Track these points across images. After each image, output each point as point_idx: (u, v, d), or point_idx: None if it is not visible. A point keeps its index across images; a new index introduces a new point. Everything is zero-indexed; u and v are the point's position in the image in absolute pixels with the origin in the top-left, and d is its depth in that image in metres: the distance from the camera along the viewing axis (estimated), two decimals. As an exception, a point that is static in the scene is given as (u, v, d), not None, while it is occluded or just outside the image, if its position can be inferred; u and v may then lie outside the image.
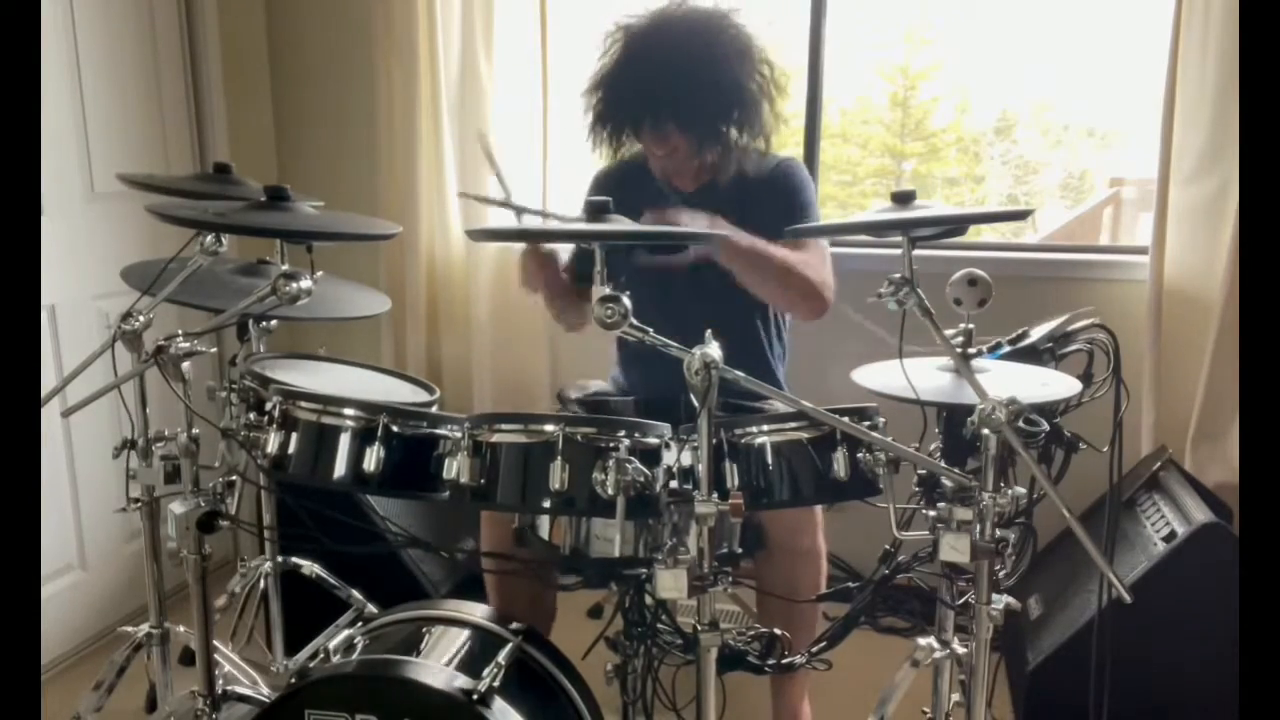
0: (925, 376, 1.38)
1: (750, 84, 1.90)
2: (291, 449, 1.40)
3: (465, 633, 1.56)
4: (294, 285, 1.42)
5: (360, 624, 1.71)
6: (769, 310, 2.07)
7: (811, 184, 2.06)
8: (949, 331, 1.36)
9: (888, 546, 1.51)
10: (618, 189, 2.09)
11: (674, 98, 1.84)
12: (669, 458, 1.31)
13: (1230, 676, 1.74)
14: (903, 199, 1.39)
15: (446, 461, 1.36)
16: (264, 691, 1.75)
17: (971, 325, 1.40)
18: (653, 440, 1.31)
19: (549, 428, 1.30)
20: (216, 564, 1.89)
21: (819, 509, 1.86)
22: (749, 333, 2.06)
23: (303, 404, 1.41)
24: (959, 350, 1.37)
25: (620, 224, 1.30)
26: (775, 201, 1.97)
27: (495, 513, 1.84)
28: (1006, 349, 1.50)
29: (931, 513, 1.33)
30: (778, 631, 1.59)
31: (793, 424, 1.36)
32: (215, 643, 1.61)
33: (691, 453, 1.28)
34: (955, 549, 1.29)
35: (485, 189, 2.77)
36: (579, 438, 1.29)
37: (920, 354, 1.39)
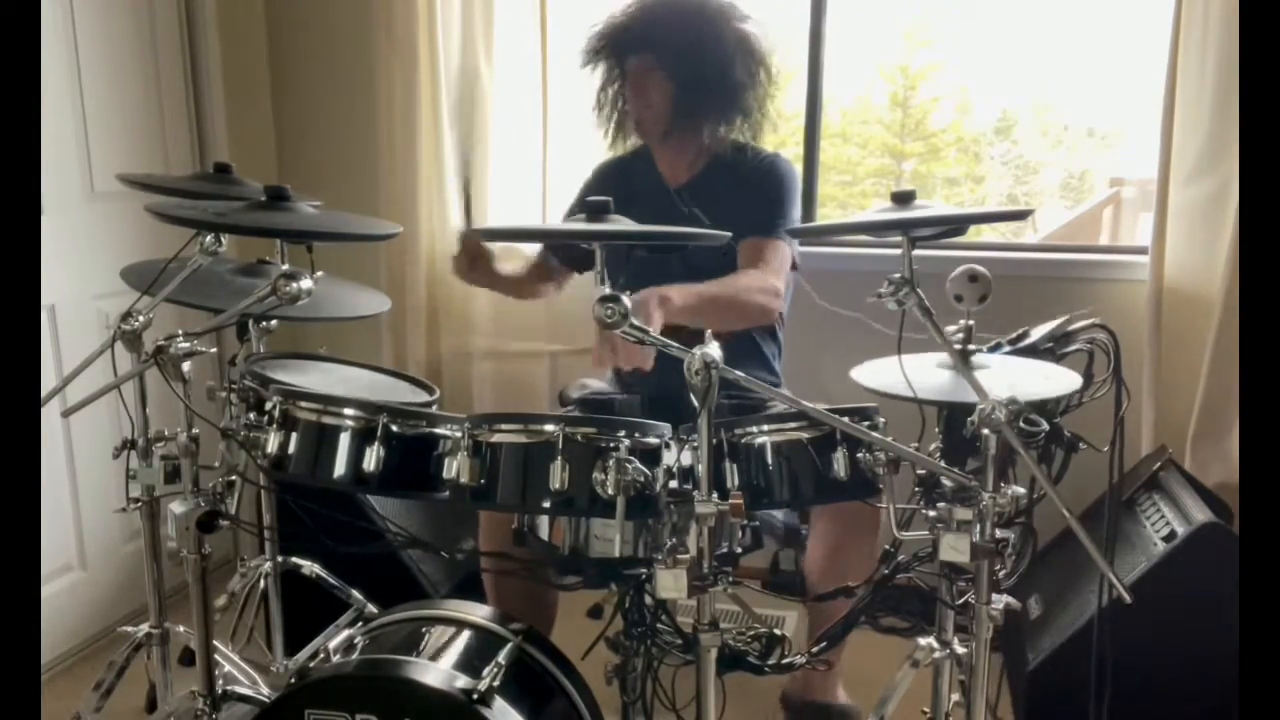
0: (925, 374, 1.38)
1: (738, 74, 1.97)
2: (291, 449, 1.40)
3: (465, 633, 1.56)
4: (294, 285, 1.41)
5: (360, 624, 1.71)
6: None
7: (797, 183, 2.09)
8: (949, 328, 1.36)
9: (888, 546, 1.51)
10: (615, 182, 2.12)
11: (668, 44, 1.95)
12: (669, 458, 1.31)
13: (1230, 676, 1.74)
14: (903, 199, 1.39)
15: (446, 461, 1.35)
16: (264, 691, 1.75)
17: (971, 322, 1.40)
18: (653, 440, 1.31)
19: (549, 428, 1.30)
20: (216, 564, 1.90)
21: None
22: (748, 332, 2.06)
23: (303, 404, 1.41)
24: (959, 349, 1.37)
25: (620, 224, 1.30)
26: (753, 194, 1.99)
27: (495, 514, 1.85)
28: (1006, 349, 1.50)
29: (931, 513, 1.32)
30: (777, 632, 1.59)
31: (793, 424, 1.36)
32: (215, 643, 1.61)
33: (691, 453, 1.28)
34: (955, 549, 1.28)
35: (486, 188, 2.77)
36: (579, 438, 1.29)
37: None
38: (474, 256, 2.10)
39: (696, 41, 1.94)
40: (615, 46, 2.03)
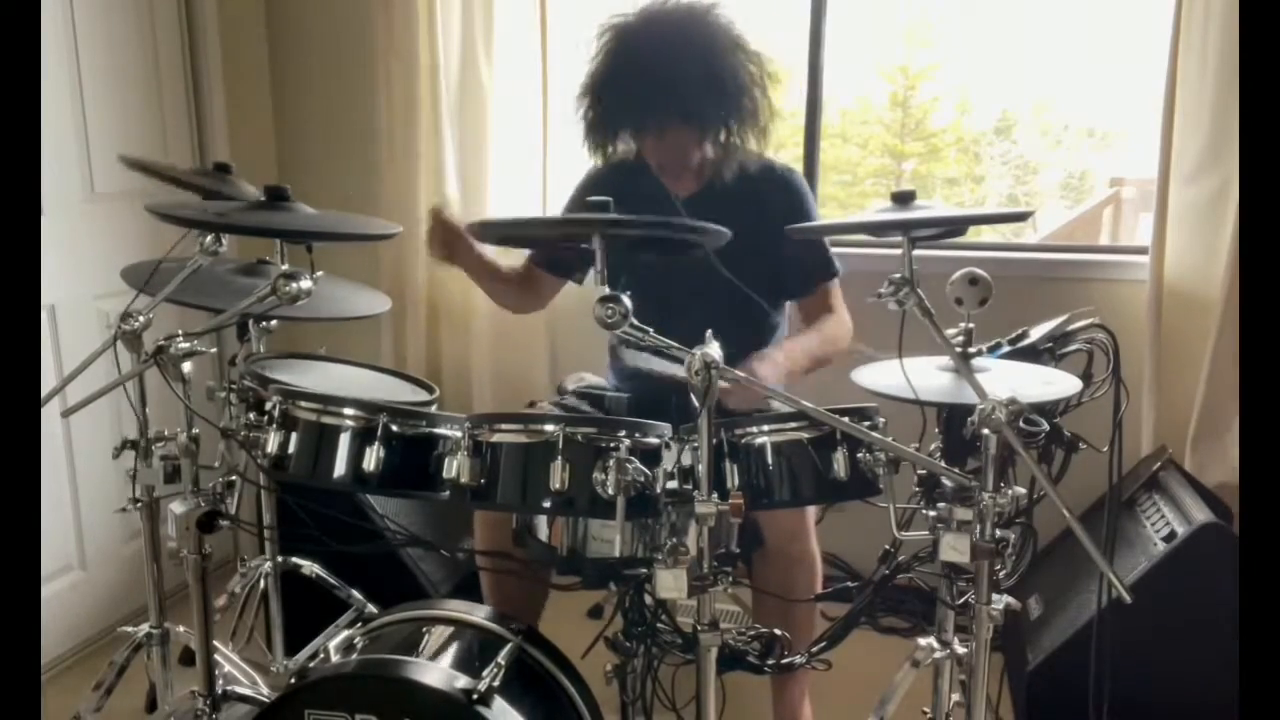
0: (926, 376, 1.38)
1: (744, 74, 1.89)
2: (291, 449, 1.40)
3: (465, 633, 1.56)
4: (294, 285, 1.42)
5: (360, 624, 1.71)
6: (766, 312, 2.07)
7: (814, 198, 2.07)
8: (949, 331, 1.36)
9: (888, 546, 1.51)
10: (608, 192, 2.07)
11: (675, 91, 1.82)
12: (669, 458, 1.31)
13: (1230, 676, 1.74)
14: (903, 199, 1.39)
15: (446, 461, 1.35)
16: (264, 691, 1.75)
17: (972, 324, 1.40)
18: (653, 440, 1.31)
19: (549, 428, 1.30)
20: (216, 564, 1.89)
21: (811, 513, 1.86)
22: (746, 335, 2.06)
23: (303, 404, 1.41)
24: (959, 350, 1.37)
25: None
26: (784, 214, 1.96)
27: (490, 514, 1.84)
28: (1006, 349, 1.50)
29: (931, 513, 1.33)
30: (778, 632, 1.59)
31: (793, 424, 1.36)
32: (215, 643, 1.61)
33: (691, 453, 1.28)
34: (955, 549, 1.29)
35: (486, 188, 2.77)
36: (579, 438, 1.29)
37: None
38: (447, 232, 1.92)
39: (687, 66, 1.82)
40: (625, 118, 1.89)
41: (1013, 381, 1.34)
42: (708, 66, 1.84)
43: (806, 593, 1.84)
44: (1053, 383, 1.38)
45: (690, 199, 2.00)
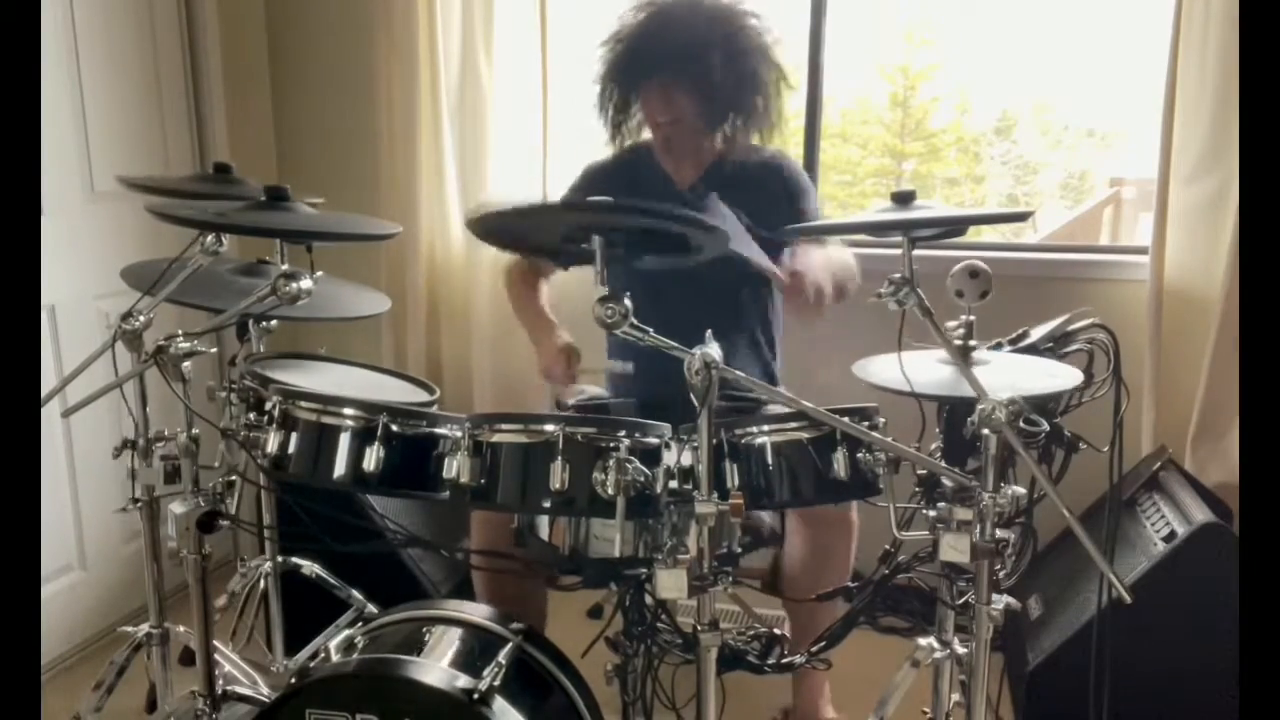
0: (926, 370, 1.38)
1: (765, 76, 1.94)
2: (291, 449, 1.40)
3: (465, 632, 1.56)
4: (294, 285, 1.42)
5: (360, 624, 1.71)
6: (764, 311, 2.07)
7: (808, 179, 2.10)
8: (950, 324, 1.36)
9: (888, 546, 1.51)
10: (610, 184, 2.08)
11: (692, 56, 1.88)
12: (669, 458, 1.31)
13: (1230, 676, 1.74)
14: (903, 199, 1.39)
15: (446, 461, 1.35)
16: (264, 691, 1.75)
17: (972, 318, 1.40)
18: (653, 440, 1.31)
19: (549, 428, 1.30)
20: (216, 564, 1.89)
21: None
22: (745, 333, 2.06)
23: (302, 404, 1.41)
24: (959, 345, 1.37)
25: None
26: (783, 205, 1.99)
27: (488, 513, 1.84)
28: (1007, 349, 1.50)
29: (931, 513, 1.33)
30: (777, 631, 1.59)
31: (793, 424, 1.36)
32: (215, 643, 1.61)
33: (691, 453, 1.28)
34: (955, 549, 1.29)
35: (486, 188, 2.77)
36: (579, 438, 1.29)
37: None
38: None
39: (710, 45, 1.90)
40: (627, 72, 1.96)
41: (1013, 374, 1.34)
42: (728, 52, 1.90)
43: (844, 556, 1.84)
44: (1054, 375, 1.38)
45: (693, 189, 2.02)
